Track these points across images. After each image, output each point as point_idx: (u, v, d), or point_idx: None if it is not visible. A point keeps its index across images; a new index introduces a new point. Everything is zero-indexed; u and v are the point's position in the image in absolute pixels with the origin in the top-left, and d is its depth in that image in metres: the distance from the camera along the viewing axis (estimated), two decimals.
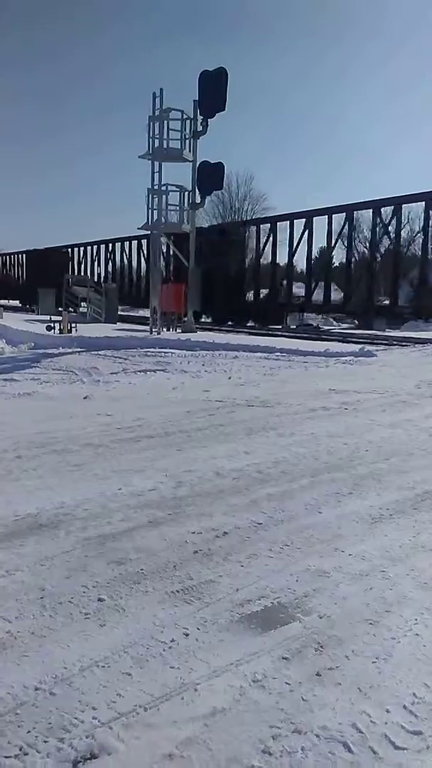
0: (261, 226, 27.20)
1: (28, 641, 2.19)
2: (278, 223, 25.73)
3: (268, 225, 26.40)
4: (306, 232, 24.14)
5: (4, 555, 2.89)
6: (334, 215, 23.70)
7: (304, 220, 24.10)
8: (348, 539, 3.14)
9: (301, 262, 27.07)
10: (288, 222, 25.02)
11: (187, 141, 17.04)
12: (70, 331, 16.11)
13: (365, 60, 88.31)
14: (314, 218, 23.97)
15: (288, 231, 24.87)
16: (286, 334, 20.22)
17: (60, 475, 4.16)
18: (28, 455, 4.67)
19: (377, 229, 22.89)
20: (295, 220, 24.73)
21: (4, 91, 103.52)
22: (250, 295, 27.53)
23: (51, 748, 1.67)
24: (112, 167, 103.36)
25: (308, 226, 23.99)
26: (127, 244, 34.57)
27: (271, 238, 26.04)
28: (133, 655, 2.11)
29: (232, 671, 2.03)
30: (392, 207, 21.92)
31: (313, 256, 25.49)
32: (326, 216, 23.59)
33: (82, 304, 23.19)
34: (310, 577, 2.71)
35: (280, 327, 24.85)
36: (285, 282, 26.06)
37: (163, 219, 17.42)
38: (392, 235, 22.29)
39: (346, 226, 23.73)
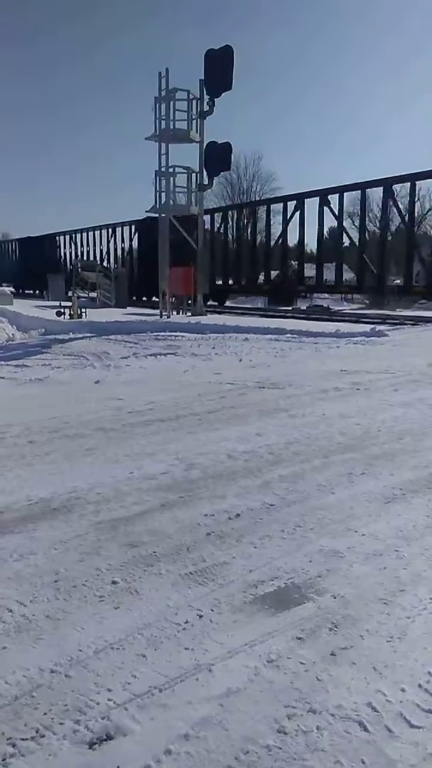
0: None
1: (43, 624, 2.20)
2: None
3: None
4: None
5: (18, 539, 2.91)
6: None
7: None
8: (361, 519, 3.13)
9: (312, 243, 26.74)
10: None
11: (194, 121, 16.85)
12: (80, 316, 16.13)
13: (360, 38, 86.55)
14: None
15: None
16: (297, 315, 20.13)
17: (72, 460, 4.17)
18: (41, 440, 4.69)
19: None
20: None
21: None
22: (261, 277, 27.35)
23: (67, 730, 1.68)
24: (114, 145, 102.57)
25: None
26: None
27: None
28: (147, 637, 2.11)
29: (247, 652, 2.03)
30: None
31: (324, 236, 25.18)
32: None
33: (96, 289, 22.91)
34: (323, 558, 2.71)
35: (291, 308, 24.72)
36: (296, 263, 25.83)
37: (171, 202, 17.30)
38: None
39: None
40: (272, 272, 27.00)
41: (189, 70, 21.58)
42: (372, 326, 13.56)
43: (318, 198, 23.42)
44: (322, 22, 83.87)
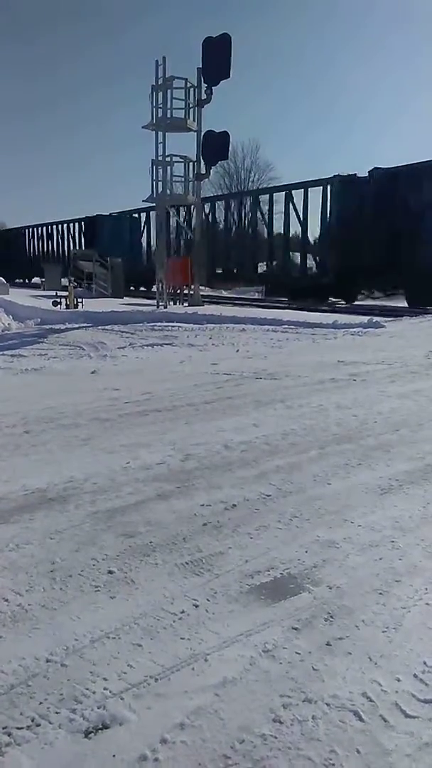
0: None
1: (39, 614, 2.20)
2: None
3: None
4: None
5: (14, 529, 2.91)
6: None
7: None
8: (357, 510, 3.13)
9: (315, 234, 26.46)
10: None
11: (191, 110, 16.72)
12: (76, 306, 16.08)
13: (365, 33, 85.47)
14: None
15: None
16: (294, 306, 20.08)
17: (68, 450, 4.16)
18: (37, 430, 4.67)
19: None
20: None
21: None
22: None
23: (63, 719, 1.68)
24: (115, 138, 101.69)
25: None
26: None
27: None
28: (143, 627, 2.12)
29: (243, 641, 2.03)
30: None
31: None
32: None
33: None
34: (319, 548, 2.71)
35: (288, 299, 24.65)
36: (297, 253, 25.70)
37: (168, 191, 17.21)
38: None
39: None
40: (274, 262, 26.90)
41: (190, 64, 21.34)
42: (369, 317, 13.54)
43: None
44: (328, 15, 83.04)
